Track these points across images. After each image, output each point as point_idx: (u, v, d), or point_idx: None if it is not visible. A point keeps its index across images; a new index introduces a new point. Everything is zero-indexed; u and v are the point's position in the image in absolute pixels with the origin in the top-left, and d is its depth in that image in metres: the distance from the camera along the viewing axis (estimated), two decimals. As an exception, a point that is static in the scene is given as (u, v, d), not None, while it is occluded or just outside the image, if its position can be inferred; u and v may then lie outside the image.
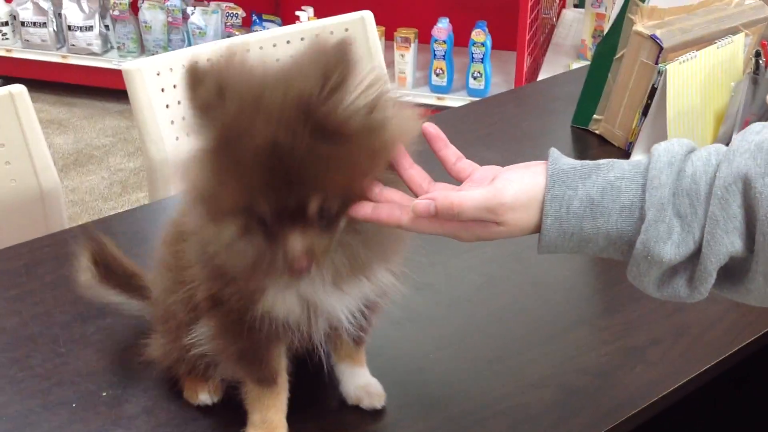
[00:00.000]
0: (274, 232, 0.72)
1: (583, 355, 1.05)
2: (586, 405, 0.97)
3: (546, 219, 0.75)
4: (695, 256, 0.73)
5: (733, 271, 0.74)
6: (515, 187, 0.75)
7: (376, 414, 0.95)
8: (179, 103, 1.73)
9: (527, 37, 3.22)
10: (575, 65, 3.26)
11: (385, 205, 0.76)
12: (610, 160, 0.77)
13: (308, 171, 0.69)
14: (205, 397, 0.95)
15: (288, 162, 0.69)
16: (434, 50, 3.34)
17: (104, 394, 0.97)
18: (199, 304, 0.87)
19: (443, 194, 0.76)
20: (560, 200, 0.74)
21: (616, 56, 1.49)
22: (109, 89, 3.82)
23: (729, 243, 0.70)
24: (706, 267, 0.72)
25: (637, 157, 1.48)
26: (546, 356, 1.05)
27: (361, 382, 0.96)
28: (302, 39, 1.92)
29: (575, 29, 3.61)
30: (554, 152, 0.78)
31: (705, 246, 0.71)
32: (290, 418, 0.91)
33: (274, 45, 1.89)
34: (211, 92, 0.71)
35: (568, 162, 0.77)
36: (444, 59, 3.35)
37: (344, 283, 0.80)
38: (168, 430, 0.92)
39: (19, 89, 1.50)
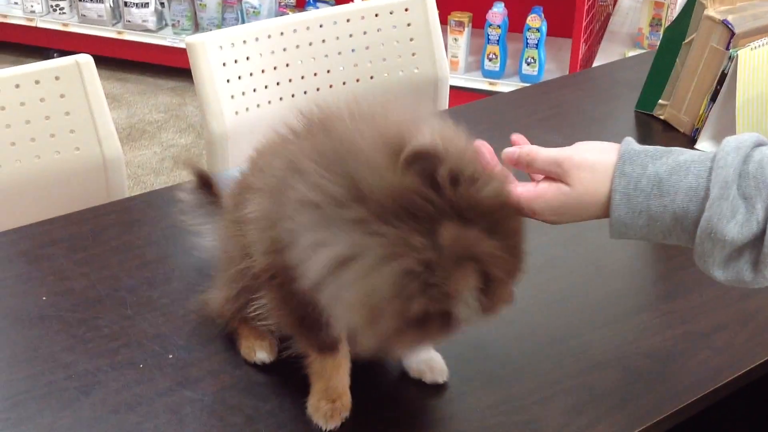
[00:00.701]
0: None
1: (646, 339, 1.04)
2: (650, 388, 0.97)
3: (615, 194, 0.78)
4: (759, 240, 0.73)
5: None
6: (585, 152, 0.81)
7: (438, 388, 0.95)
8: (239, 78, 1.76)
9: (584, 24, 3.18)
10: (631, 54, 3.21)
11: None
12: (681, 148, 0.79)
13: None
14: (262, 355, 0.97)
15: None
16: (488, 35, 3.32)
17: (170, 356, 0.99)
18: (258, 276, 0.89)
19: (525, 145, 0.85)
20: (629, 178, 0.77)
21: (686, 41, 1.46)
22: (163, 66, 3.86)
23: None
24: None
25: (704, 143, 1.45)
26: (608, 338, 1.04)
27: (423, 356, 0.96)
28: (362, 18, 1.92)
29: (631, 17, 3.56)
30: (628, 138, 0.81)
31: None
32: (352, 387, 0.92)
33: (334, 23, 1.89)
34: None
35: (641, 146, 0.80)
36: (498, 44, 3.32)
37: None
38: (233, 393, 0.94)
39: (86, 59, 1.53)
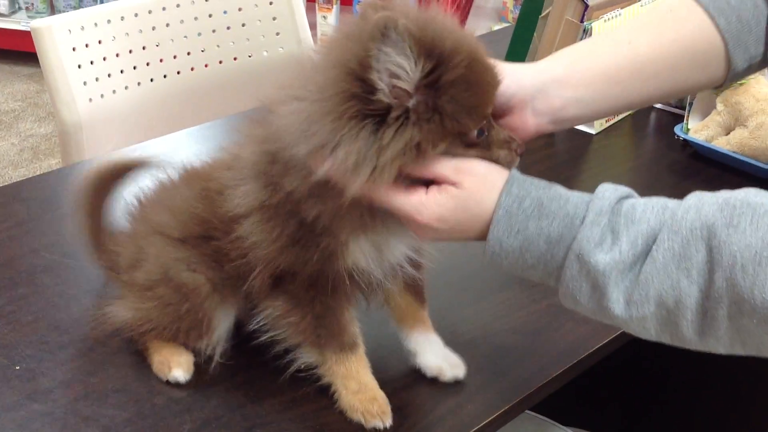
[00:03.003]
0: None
1: (513, 314, 1.05)
2: (519, 362, 0.97)
3: (498, 210, 0.79)
4: (625, 275, 0.74)
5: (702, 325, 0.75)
6: (476, 163, 0.81)
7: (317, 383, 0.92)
8: (92, 63, 1.66)
9: (450, -1, 3.20)
10: (497, 27, 3.25)
11: None
12: (562, 186, 0.82)
13: None
14: (179, 373, 0.91)
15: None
16: (357, 12, 3.29)
17: (17, 367, 0.93)
18: (259, 287, 0.87)
19: None
20: (514, 197, 0.79)
21: (542, 15, 1.48)
22: (18, 52, 3.65)
23: (676, 279, 0.73)
24: (648, 292, 0.74)
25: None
26: (476, 316, 1.05)
27: (440, 352, 0.94)
28: (221, -5, 1.86)
29: (497, -9, 3.61)
30: (516, 170, 0.83)
31: (654, 272, 0.74)
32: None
33: (192, 2, 1.82)
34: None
35: (529, 176, 0.82)
36: (367, 21, 3.30)
37: (401, 232, 0.86)
38: (87, 404, 0.88)
39: None
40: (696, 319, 0.73)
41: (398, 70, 0.74)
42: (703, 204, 0.74)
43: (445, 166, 0.80)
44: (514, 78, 0.88)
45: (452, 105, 0.77)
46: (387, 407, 0.88)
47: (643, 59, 0.93)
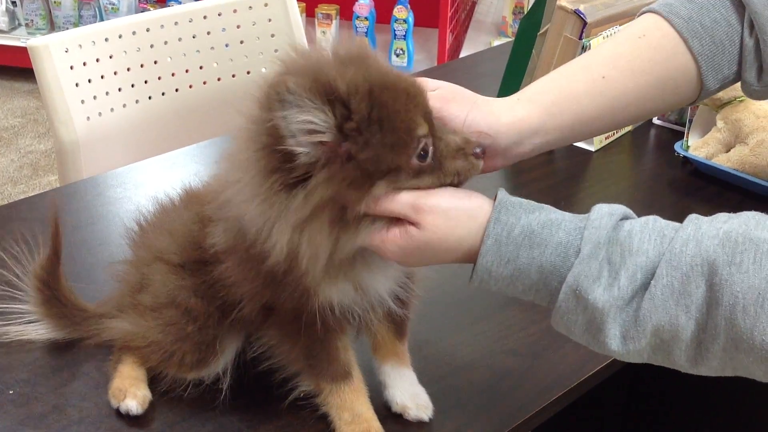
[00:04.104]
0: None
1: (512, 336, 1.04)
2: (516, 386, 0.96)
3: (486, 240, 0.76)
4: (623, 310, 0.73)
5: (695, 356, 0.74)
6: (441, 198, 0.77)
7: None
8: (90, 81, 1.66)
9: (449, 14, 3.20)
10: (496, 42, 3.26)
11: None
12: (550, 206, 0.80)
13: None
14: (132, 404, 0.88)
15: None
16: (356, 27, 3.30)
17: (11, 392, 0.92)
18: (252, 319, 0.87)
19: None
20: (503, 225, 0.76)
21: (540, 32, 1.47)
22: (18, 68, 3.65)
23: (674, 315, 0.71)
24: (646, 328, 0.72)
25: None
26: (476, 338, 1.03)
27: (409, 390, 0.92)
28: (219, 14, 1.86)
29: (496, 6, 3.62)
30: (502, 189, 0.80)
31: (653, 309, 0.72)
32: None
33: (190, 20, 1.82)
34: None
35: (516, 197, 0.79)
36: (366, 36, 3.31)
37: (383, 267, 0.83)
38: (80, 429, 0.87)
39: None
40: (690, 350, 0.72)
41: (311, 126, 0.71)
42: (703, 236, 0.72)
43: (402, 205, 0.76)
44: (491, 130, 0.84)
45: (367, 149, 0.73)
46: None
47: (617, 94, 0.91)
